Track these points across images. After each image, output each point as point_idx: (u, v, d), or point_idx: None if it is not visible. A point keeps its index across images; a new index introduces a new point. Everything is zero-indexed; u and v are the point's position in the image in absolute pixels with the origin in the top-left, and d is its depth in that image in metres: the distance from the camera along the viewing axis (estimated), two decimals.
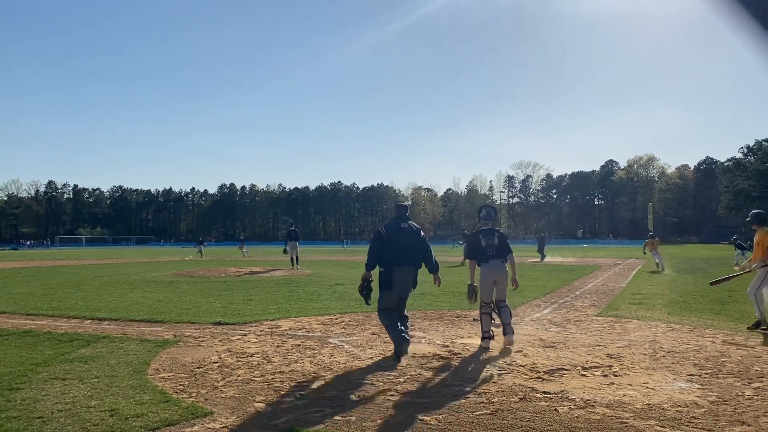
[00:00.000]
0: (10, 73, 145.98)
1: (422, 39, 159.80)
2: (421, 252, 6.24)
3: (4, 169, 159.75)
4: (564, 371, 5.18)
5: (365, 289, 6.13)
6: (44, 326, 7.90)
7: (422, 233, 6.35)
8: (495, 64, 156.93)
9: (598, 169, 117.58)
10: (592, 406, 4.13)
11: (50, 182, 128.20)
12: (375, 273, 6.15)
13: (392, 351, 6.02)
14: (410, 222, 6.35)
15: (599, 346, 6.41)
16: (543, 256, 27.78)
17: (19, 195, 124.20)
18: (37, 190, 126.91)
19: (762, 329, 7.31)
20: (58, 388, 4.62)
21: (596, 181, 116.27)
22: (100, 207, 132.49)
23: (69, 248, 77.45)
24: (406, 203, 6.72)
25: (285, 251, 22.20)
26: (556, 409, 4.04)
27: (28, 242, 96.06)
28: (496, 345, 6.39)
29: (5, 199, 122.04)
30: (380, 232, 6.20)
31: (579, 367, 5.32)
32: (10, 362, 5.58)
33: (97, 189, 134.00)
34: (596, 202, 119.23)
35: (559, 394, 4.42)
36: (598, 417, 3.87)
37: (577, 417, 3.87)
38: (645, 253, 25.14)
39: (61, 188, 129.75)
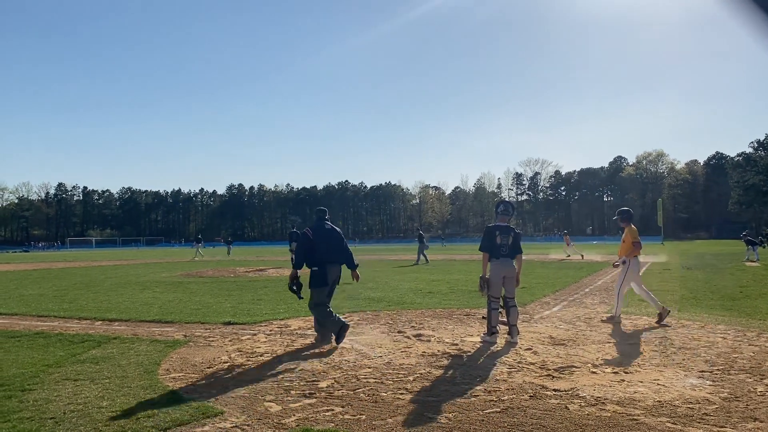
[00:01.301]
0: (17, 75, 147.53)
1: (430, 35, 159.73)
2: (344, 250, 6.82)
3: (14, 172, 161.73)
4: (574, 368, 5.16)
5: (296, 285, 6.61)
6: (56, 327, 7.97)
7: (341, 233, 6.95)
8: (503, 60, 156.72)
9: (606, 165, 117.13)
10: (603, 403, 4.11)
11: (60, 184, 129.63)
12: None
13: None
14: (330, 224, 6.91)
15: (609, 343, 6.39)
16: None
17: (29, 197, 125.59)
18: (47, 193, 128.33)
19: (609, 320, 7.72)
20: (70, 388, 4.66)
21: (605, 177, 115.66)
22: (110, 208, 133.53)
23: (79, 250, 78.04)
24: (324, 207, 7.26)
25: (291, 250, 24.10)
26: (566, 407, 4.02)
27: (40, 244, 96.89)
28: (501, 342, 6.39)
29: (16, 201, 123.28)
30: (307, 235, 6.66)
31: (589, 365, 5.31)
32: (22, 363, 5.64)
33: (107, 191, 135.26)
34: (605, 199, 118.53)
35: (570, 392, 4.41)
36: (609, 414, 3.85)
37: (587, 414, 3.86)
38: (567, 254, 25.54)
39: (71, 190, 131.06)
